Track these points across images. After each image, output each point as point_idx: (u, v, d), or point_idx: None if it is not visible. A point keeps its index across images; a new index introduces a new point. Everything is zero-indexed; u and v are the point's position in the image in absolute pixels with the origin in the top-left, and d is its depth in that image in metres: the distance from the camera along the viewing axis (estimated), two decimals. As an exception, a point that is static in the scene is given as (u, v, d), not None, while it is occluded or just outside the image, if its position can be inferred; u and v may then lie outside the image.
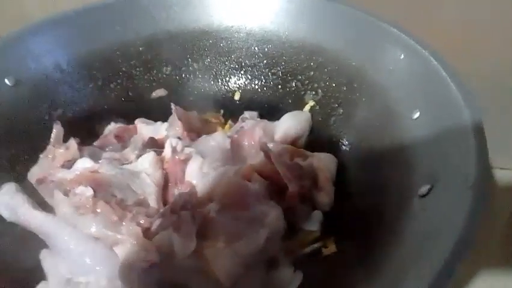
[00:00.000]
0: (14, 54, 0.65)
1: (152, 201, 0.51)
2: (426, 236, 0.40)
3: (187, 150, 0.58)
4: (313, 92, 0.72)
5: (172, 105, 0.68)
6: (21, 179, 0.57)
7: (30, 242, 0.53)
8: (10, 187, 0.53)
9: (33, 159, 0.61)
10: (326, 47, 0.70)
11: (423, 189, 0.43)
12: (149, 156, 0.55)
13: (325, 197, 0.58)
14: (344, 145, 0.65)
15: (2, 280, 0.50)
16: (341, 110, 0.68)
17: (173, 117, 0.67)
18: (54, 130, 0.59)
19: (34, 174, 0.55)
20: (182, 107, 0.72)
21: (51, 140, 0.59)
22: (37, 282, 0.50)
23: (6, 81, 0.63)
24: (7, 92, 0.63)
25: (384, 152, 0.55)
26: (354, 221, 0.54)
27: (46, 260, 0.51)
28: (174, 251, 0.46)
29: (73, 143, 0.55)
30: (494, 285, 0.62)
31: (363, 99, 0.64)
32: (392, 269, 0.41)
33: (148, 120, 0.71)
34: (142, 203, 0.51)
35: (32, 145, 0.62)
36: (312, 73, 0.72)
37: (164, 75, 0.79)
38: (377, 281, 0.43)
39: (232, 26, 0.77)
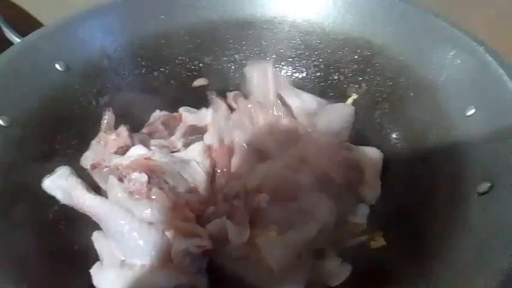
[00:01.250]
0: (64, 41, 0.66)
1: (202, 190, 0.52)
2: (490, 233, 0.39)
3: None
4: (357, 85, 0.72)
5: (210, 93, 0.69)
6: (72, 163, 0.59)
7: (83, 224, 0.55)
8: (64, 170, 0.54)
9: (82, 144, 0.62)
10: (372, 40, 0.69)
11: (483, 186, 0.43)
12: (199, 145, 0.56)
13: (371, 190, 0.58)
14: (391, 140, 0.64)
15: (58, 260, 0.52)
16: (386, 105, 0.67)
17: (216, 103, 0.68)
18: (105, 117, 0.60)
19: (87, 159, 0.56)
20: (223, 97, 0.74)
21: (103, 126, 0.60)
22: (91, 263, 0.51)
23: (57, 66, 0.65)
24: (58, 76, 0.65)
25: (435, 148, 0.55)
26: (403, 216, 0.54)
27: (99, 241, 0.52)
28: (226, 238, 0.47)
29: (123, 130, 0.57)
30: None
31: (411, 94, 0.63)
32: (446, 268, 0.41)
33: (192, 109, 0.72)
34: (193, 191, 0.51)
35: (81, 130, 0.64)
36: (356, 66, 0.72)
37: (206, 65, 0.79)
38: (427, 279, 0.43)
39: (275, 17, 0.77)
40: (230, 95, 0.72)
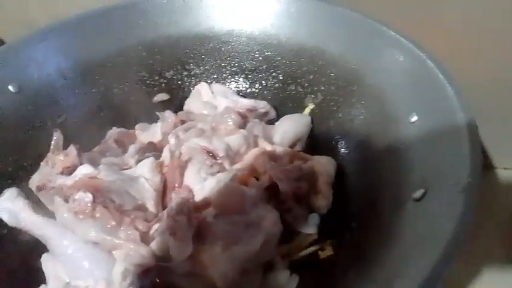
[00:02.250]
0: (17, 61, 0.67)
1: (151, 206, 0.52)
2: (418, 239, 0.40)
3: (185, 150, 0.58)
4: (313, 95, 0.73)
5: (158, 114, 0.70)
6: (24, 186, 0.59)
7: (33, 247, 0.55)
8: (12, 192, 0.54)
9: (36, 166, 0.62)
10: (325, 49, 0.70)
11: (418, 193, 0.43)
12: (148, 161, 0.56)
13: (323, 200, 0.58)
14: (343, 148, 0.65)
15: (5, 283, 0.51)
16: (340, 114, 0.67)
17: (164, 115, 0.69)
18: (54, 137, 0.60)
19: (35, 181, 0.56)
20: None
21: (51, 147, 0.60)
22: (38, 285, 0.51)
23: (10, 87, 0.65)
24: (11, 98, 0.65)
25: (381, 156, 0.55)
26: (350, 224, 0.54)
27: (46, 263, 0.52)
28: (168, 255, 0.47)
29: (72, 149, 0.56)
30: (496, 284, 0.62)
31: (362, 102, 0.64)
32: (383, 272, 0.41)
33: (148, 125, 0.72)
34: (140, 208, 0.51)
35: (36, 152, 0.64)
36: (312, 76, 0.72)
37: (166, 80, 0.79)
38: (369, 284, 0.43)
39: (233, 30, 0.77)
40: (183, 112, 0.73)
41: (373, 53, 0.63)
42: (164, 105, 0.78)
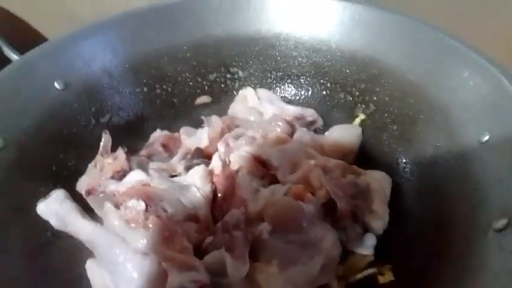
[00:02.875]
0: (64, 58, 0.65)
1: (202, 216, 0.50)
2: (501, 275, 0.37)
3: (235, 158, 0.56)
4: (364, 106, 0.70)
5: (204, 118, 0.68)
6: (69, 186, 0.57)
7: (77, 251, 0.53)
8: (59, 194, 0.53)
9: (80, 166, 0.60)
10: (380, 58, 0.67)
11: (500, 223, 0.40)
12: (199, 169, 0.53)
13: (378, 219, 0.55)
14: (400, 164, 0.62)
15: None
16: (395, 127, 0.64)
17: (211, 120, 0.67)
18: (102, 139, 0.59)
19: (83, 184, 0.54)
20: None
21: (100, 149, 0.58)
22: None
23: (56, 84, 0.63)
24: (57, 95, 0.63)
25: (446, 175, 0.52)
26: (413, 249, 0.51)
27: (92, 270, 0.50)
28: (225, 272, 0.44)
29: (121, 153, 0.55)
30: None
31: (421, 116, 0.60)
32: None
33: (191, 129, 0.70)
34: (191, 218, 0.49)
35: (79, 151, 0.62)
36: (363, 85, 0.69)
37: (209, 82, 0.77)
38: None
39: (280, 33, 0.75)
40: (227, 117, 0.70)
41: (434, 65, 0.60)
42: (206, 108, 0.76)
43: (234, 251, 0.44)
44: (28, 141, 0.58)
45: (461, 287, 0.39)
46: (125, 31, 0.71)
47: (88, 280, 0.50)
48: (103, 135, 0.59)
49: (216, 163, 0.56)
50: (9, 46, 0.69)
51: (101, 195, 0.51)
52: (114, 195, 0.48)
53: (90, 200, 0.52)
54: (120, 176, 0.53)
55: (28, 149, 0.58)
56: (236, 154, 0.55)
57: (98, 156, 0.57)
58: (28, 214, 0.53)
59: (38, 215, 0.53)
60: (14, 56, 0.69)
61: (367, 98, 0.69)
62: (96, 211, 0.53)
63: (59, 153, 0.61)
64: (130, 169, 0.53)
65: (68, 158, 0.61)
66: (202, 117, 0.69)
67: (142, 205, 0.46)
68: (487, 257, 0.39)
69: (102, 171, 0.54)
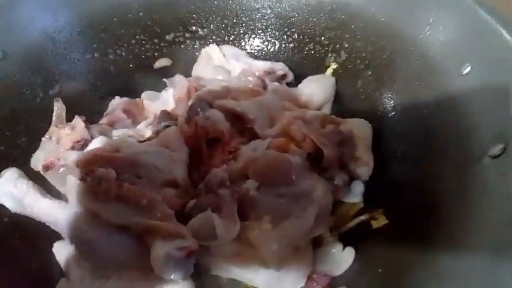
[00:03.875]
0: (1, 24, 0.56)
1: (181, 180, 0.45)
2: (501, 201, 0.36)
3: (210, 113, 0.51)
4: (335, 54, 0.66)
5: (166, 80, 0.63)
6: (21, 165, 0.50)
7: (41, 235, 0.47)
8: (12, 173, 0.46)
9: (32, 143, 0.53)
10: (348, 2, 0.63)
11: (496, 149, 0.38)
12: (171, 131, 0.48)
13: (364, 165, 0.53)
14: (379, 109, 0.59)
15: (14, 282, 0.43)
16: (369, 72, 0.62)
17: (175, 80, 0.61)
18: (55, 108, 0.52)
19: (38, 159, 0.48)
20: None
21: (54, 119, 0.52)
22: (55, 281, 0.44)
23: (-7, 54, 0.55)
24: (-4, 65, 0.55)
25: (431, 111, 0.50)
26: (404, 190, 0.50)
27: (62, 253, 0.44)
28: (213, 234, 0.40)
29: (79, 121, 0.48)
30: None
31: (396, 56, 0.58)
32: (457, 240, 0.37)
33: (154, 93, 0.64)
34: (169, 183, 0.44)
35: (29, 127, 0.55)
36: (332, 33, 0.66)
37: (167, 43, 0.71)
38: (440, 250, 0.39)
39: (240, -16, 0.69)
40: (192, 78, 0.65)
41: (406, 2, 0.57)
42: (166, 72, 0.70)
43: (222, 211, 0.40)
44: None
45: (463, 219, 0.38)
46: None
47: (58, 266, 0.45)
48: (55, 103, 0.52)
49: (183, 122, 0.51)
50: None
51: (61, 169, 0.45)
52: (77, 166, 0.42)
53: (49, 176, 0.46)
54: (81, 146, 0.47)
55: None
56: (210, 111, 0.50)
57: (52, 128, 0.51)
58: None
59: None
60: None
61: (337, 46, 0.66)
62: (57, 187, 0.46)
63: (5, 131, 0.54)
64: (92, 138, 0.47)
65: (16, 136, 0.54)
66: (164, 80, 0.64)
67: (112, 173, 0.41)
68: (486, 184, 0.38)
69: (59, 143, 0.47)
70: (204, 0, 0.70)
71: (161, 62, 0.71)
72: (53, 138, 0.49)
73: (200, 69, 0.67)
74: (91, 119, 0.58)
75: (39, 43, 0.60)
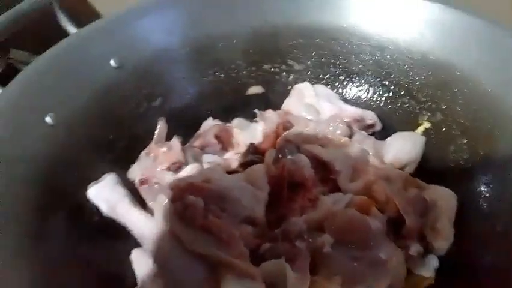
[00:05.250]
0: (120, 36, 0.62)
1: (259, 220, 0.47)
2: None
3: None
4: (430, 114, 0.65)
5: (257, 112, 0.65)
6: (118, 171, 0.55)
7: (122, 239, 0.51)
8: (111, 179, 0.51)
9: (131, 151, 0.58)
10: (454, 64, 0.61)
11: None
12: (258, 168, 0.50)
13: (443, 240, 0.51)
14: (467, 181, 0.57)
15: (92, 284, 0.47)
16: (465, 140, 0.59)
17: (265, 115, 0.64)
18: (158, 126, 0.56)
19: (135, 172, 0.52)
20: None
21: (155, 137, 0.56)
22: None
23: (112, 62, 0.61)
24: (111, 73, 0.61)
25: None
26: (478, 275, 0.47)
27: (139, 262, 0.48)
28: (283, 283, 0.41)
29: (176, 143, 0.52)
30: None
31: (497, 132, 0.55)
32: None
33: (244, 121, 0.67)
34: (248, 221, 0.46)
35: (130, 135, 0.60)
36: (431, 92, 0.64)
37: (263, 72, 0.74)
38: None
39: (345, 27, 0.70)
40: (281, 112, 0.66)
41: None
42: (257, 99, 0.73)
43: (296, 263, 0.41)
44: (80, 121, 0.56)
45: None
46: (183, 13, 0.67)
47: (133, 274, 0.48)
48: (159, 122, 0.57)
49: (271, 161, 0.53)
50: (68, 18, 0.67)
51: (155, 186, 0.48)
52: (173, 189, 0.45)
53: (143, 190, 0.50)
54: (176, 168, 0.50)
55: (79, 128, 0.56)
56: (298, 155, 0.52)
57: (152, 145, 0.55)
58: (76, 198, 0.52)
59: (85, 200, 0.52)
60: (71, 29, 0.66)
61: (434, 105, 0.64)
62: (147, 201, 0.50)
63: (109, 134, 0.59)
64: (186, 160, 0.51)
65: (118, 142, 0.59)
66: (256, 111, 0.66)
67: (201, 203, 0.43)
68: None
69: (156, 161, 0.51)
70: (307, 37, 0.71)
71: (254, 89, 0.74)
72: (152, 155, 0.53)
73: (291, 104, 0.69)
74: (185, 134, 0.63)
75: (150, 58, 0.65)
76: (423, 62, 0.65)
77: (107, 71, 0.60)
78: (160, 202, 0.46)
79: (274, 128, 0.60)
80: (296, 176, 0.50)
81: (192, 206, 0.43)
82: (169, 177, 0.48)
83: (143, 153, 0.55)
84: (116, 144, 0.59)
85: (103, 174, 0.53)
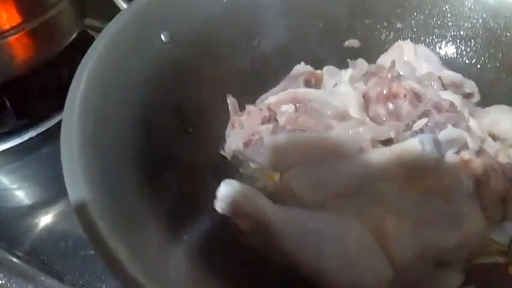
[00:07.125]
0: (172, 9, 0.57)
1: (355, 112, 0.52)
2: None
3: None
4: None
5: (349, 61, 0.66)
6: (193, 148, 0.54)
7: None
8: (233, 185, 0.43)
9: (202, 125, 0.57)
10: None
11: None
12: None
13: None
14: None
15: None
16: None
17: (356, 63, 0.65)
18: (228, 101, 0.60)
19: (231, 144, 0.55)
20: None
21: (231, 110, 0.60)
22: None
23: (162, 37, 0.55)
24: (162, 47, 0.55)
25: None
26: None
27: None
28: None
29: (250, 107, 0.58)
30: None
31: None
32: None
33: (335, 69, 0.67)
34: (342, 114, 0.51)
35: (194, 112, 0.57)
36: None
37: (362, 27, 0.73)
38: None
39: (460, -13, 0.66)
40: (374, 66, 0.66)
41: None
42: (353, 52, 0.72)
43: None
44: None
45: None
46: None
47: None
48: (228, 98, 0.60)
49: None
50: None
51: (257, 142, 0.51)
52: (270, 108, 0.52)
53: (249, 152, 0.52)
54: (268, 119, 0.54)
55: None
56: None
57: (232, 118, 0.58)
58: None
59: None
60: (123, 4, 0.64)
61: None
62: (254, 161, 0.53)
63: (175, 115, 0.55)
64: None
65: (186, 123, 0.56)
66: (348, 60, 0.67)
67: (291, 107, 0.50)
68: None
69: (243, 127, 0.55)
70: (417, -5, 0.69)
71: (351, 42, 0.74)
72: (236, 126, 0.56)
73: (387, 59, 0.68)
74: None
75: (203, 29, 0.60)
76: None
77: (157, 46, 0.54)
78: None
79: (360, 76, 0.61)
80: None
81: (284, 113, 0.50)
82: (268, 128, 0.52)
83: (228, 130, 0.58)
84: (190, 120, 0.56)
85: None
